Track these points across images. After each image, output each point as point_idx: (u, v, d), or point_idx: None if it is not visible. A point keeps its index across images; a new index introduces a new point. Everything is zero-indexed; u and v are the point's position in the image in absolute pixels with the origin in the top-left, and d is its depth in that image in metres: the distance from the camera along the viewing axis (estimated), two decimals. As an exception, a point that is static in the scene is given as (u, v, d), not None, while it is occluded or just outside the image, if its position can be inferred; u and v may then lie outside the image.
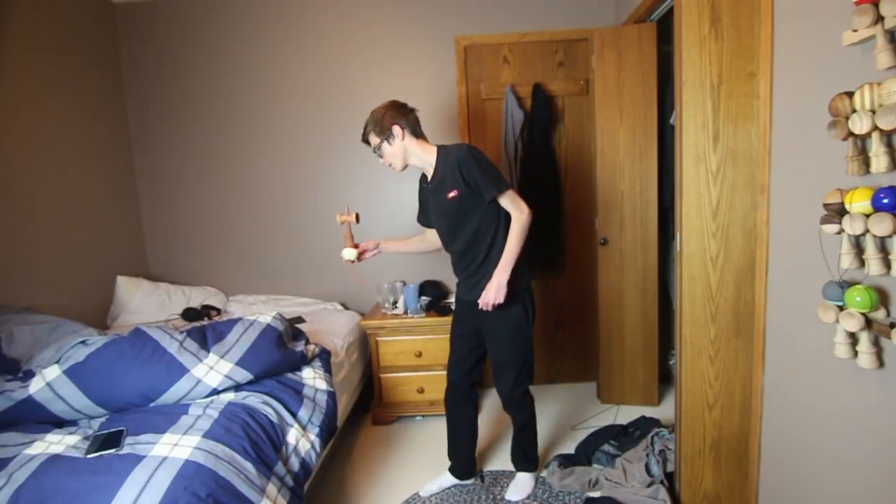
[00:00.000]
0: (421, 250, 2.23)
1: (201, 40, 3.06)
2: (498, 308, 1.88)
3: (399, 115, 1.89)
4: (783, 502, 1.61)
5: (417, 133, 1.93)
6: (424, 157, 1.93)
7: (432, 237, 2.15)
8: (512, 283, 1.87)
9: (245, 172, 3.16)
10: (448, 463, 2.22)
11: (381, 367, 2.79)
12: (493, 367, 2.04)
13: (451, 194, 1.86)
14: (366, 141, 1.93)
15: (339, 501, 2.18)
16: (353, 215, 2.08)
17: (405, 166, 1.95)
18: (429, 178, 1.97)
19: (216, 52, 3.06)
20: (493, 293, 1.83)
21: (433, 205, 1.98)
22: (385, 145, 1.89)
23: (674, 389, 2.06)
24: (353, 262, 2.08)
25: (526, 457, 2.16)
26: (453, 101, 3.03)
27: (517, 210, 1.87)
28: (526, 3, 2.97)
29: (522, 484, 2.15)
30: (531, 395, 2.10)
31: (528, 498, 2.12)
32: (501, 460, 2.40)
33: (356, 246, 2.09)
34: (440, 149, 1.93)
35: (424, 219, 2.13)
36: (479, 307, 1.87)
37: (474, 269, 1.95)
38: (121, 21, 3.05)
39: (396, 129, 1.87)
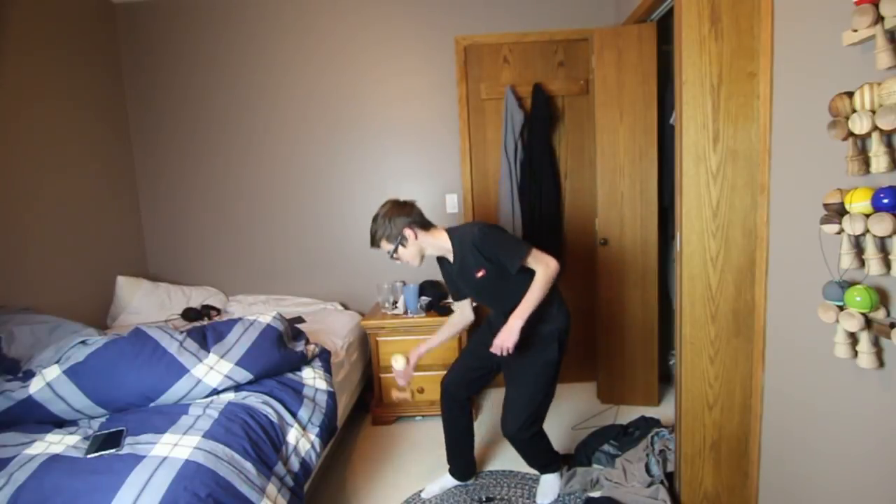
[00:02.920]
0: (452, 335, 2.17)
1: (201, 40, 3.06)
2: (533, 343, 1.88)
3: (404, 214, 1.87)
4: (783, 502, 1.61)
5: (426, 225, 1.91)
6: (440, 245, 1.91)
7: (458, 318, 2.12)
8: (552, 320, 1.90)
9: (245, 172, 3.16)
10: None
11: (382, 367, 2.79)
12: (505, 401, 1.96)
13: (479, 274, 1.85)
14: (376, 246, 1.91)
15: (339, 501, 2.18)
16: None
17: (423, 258, 1.93)
18: (451, 260, 1.95)
19: (216, 51, 3.07)
20: (507, 337, 1.77)
21: (463, 283, 1.97)
22: (400, 249, 1.87)
23: (674, 389, 2.06)
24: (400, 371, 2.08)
25: (545, 466, 2.14)
26: (453, 101, 3.03)
27: (542, 266, 1.81)
28: (526, 3, 2.98)
29: (549, 485, 2.13)
30: (543, 434, 2.04)
31: (529, 498, 2.12)
32: (501, 460, 2.40)
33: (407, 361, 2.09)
34: (452, 234, 1.91)
35: (458, 295, 2.08)
36: (491, 350, 1.80)
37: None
38: (121, 21, 3.06)
39: (408, 233, 1.85)
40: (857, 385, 1.24)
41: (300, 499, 1.66)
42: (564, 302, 1.98)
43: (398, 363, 2.07)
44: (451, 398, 2.09)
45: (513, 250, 1.81)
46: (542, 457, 2.10)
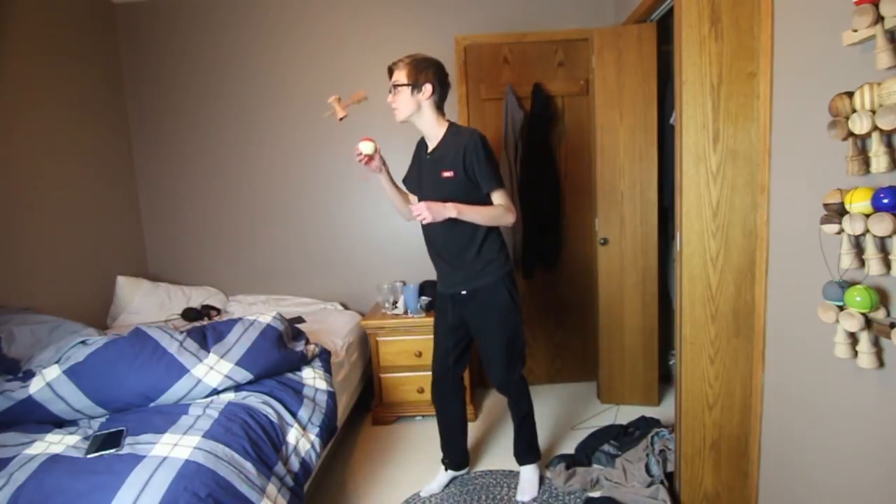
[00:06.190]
0: (402, 211, 2.13)
1: (202, 41, 3.06)
2: (484, 298, 1.92)
3: (439, 78, 1.84)
4: (783, 502, 1.61)
5: (440, 106, 1.90)
6: (433, 127, 1.90)
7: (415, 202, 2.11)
8: (494, 271, 1.91)
9: (245, 172, 3.16)
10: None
11: (381, 367, 2.79)
12: (482, 357, 2.04)
13: (447, 174, 1.84)
14: (391, 71, 1.87)
15: (339, 501, 2.18)
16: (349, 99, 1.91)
17: (406, 121, 1.89)
18: (429, 147, 1.94)
19: (216, 52, 3.06)
20: (437, 209, 1.74)
21: (425, 176, 1.95)
22: (406, 90, 1.82)
23: (674, 389, 2.06)
24: (341, 118, 1.92)
25: (529, 448, 2.16)
26: (453, 101, 3.03)
27: (505, 206, 1.86)
28: (526, 3, 2.98)
29: (529, 480, 2.14)
30: (525, 380, 2.10)
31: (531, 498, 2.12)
32: (500, 460, 2.40)
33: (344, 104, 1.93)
34: (451, 125, 1.91)
35: (410, 183, 2.09)
36: (412, 208, 1.80)
37: (457, 263, 1.92)
38: (121, 21, 3.06)
39: (428, 88, 1.82)
40: (857, 385, 1.24)
41: (300, 499, 1.66)
42: (509, 254, 2.00)
43: (367, 148, 1.90)
44: (441, 382, 2.11)
45: (493, 173, 1.83)
46: (529, 423, 2.13)
